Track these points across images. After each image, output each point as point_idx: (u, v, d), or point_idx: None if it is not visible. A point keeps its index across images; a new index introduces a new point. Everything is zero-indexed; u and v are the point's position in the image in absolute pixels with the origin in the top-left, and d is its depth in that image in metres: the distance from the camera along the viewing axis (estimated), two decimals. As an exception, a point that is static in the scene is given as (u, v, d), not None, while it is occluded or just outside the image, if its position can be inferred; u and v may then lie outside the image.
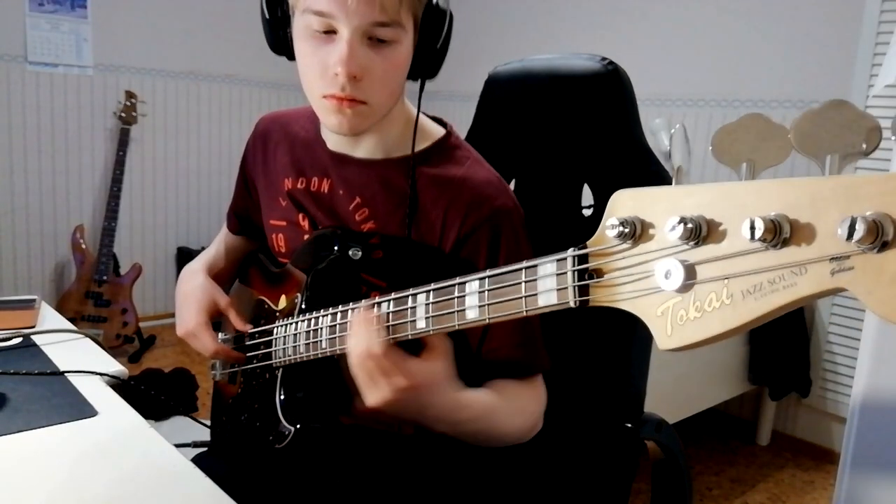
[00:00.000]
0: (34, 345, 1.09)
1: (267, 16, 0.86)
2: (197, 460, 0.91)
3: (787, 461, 2.56)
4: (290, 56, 0.87)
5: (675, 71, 2.90)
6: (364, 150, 0.92)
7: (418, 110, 0.90)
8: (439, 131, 0.94)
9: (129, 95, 3.35)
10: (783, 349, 2.49)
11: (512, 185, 1.10)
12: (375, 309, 0.72)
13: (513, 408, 0.83)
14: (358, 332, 0.70)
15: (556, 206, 1.06)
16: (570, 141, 1.04)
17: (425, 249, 0.88)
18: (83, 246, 3.20)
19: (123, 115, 3.33)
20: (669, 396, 2.12)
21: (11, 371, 0.97)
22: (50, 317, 1.24)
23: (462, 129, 1.01)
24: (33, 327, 1.17)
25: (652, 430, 1.00)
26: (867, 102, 2.36)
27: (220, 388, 1.06)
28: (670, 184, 1.05)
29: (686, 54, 2.87)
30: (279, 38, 0.87)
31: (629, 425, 0.98)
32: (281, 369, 0.87)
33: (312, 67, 0.82)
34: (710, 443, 2.66)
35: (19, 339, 1.11)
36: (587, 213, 1.05)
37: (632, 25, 3.03)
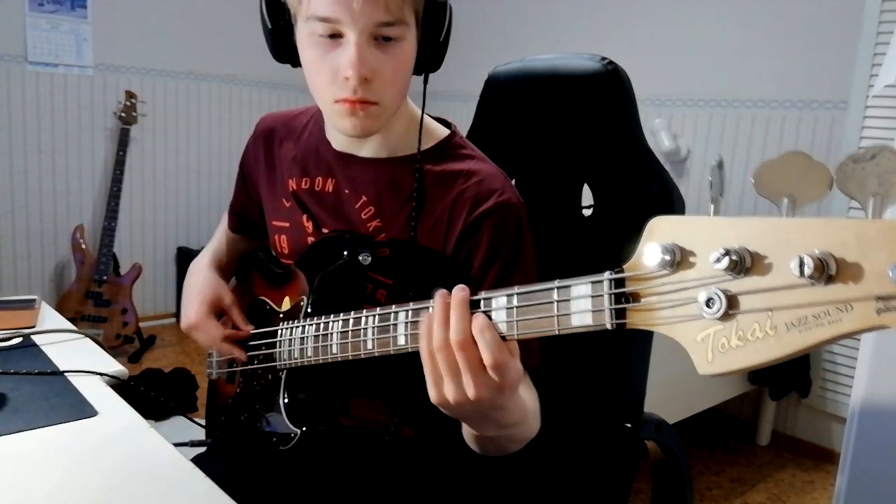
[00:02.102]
0: (34, 345, 1.09)
1: (269, 26, 0.86)
2: (197, 461, 0.91)
3: (787, 461, 2.56)
4: (295, 63, 0.87)
5: (675, 71, 2.90)
6: (369, 149, 0.92)
7: (423, 106, 0.91)
8: (444, 131, 0.94)
9: (129, 95, 3.35)
10: (783, 349, 2.49)
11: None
12: (392, 318, 0.69)
13: (536, 410, 0.80)
14: (462, 317, 0.62)
15: (556, 205, 1.06)
16: (570, 141, 1.04)
17: (430, 252, 0.88)
18: (83, 246, 3.20)
19: (123, 115, 3.33)
20: (669, 396, 2.11)
21: (11, 371, 0.97)
22: (50, 317, 1.24)
23: (462, 129, 1.01)
24: (33, 327, 1.17)
25: (652, 431, 1.00)
26: (867, 102, 2.36)
27: (216, 386, 1.06)
28: (671, 185, 1.05)
29: (686, 54, 2.87)
30: (283, 47, 0.87)
31: (629, 425, 0.98)
32: (285, 371, 0.86)
33: (321, 73, 0.82)
34: (710, 443, 2.66)
35: (19, 339, 1.11)
36: (587, 213, 1.05)
37: (632, 25, 3.03)
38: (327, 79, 0.81)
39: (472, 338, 0.62)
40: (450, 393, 0.64)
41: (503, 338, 0.62)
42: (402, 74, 0.84)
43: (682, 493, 1.03)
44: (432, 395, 0.65)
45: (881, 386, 1.32)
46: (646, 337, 1.00)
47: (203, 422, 1.10)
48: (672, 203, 0.95)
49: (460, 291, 0.64)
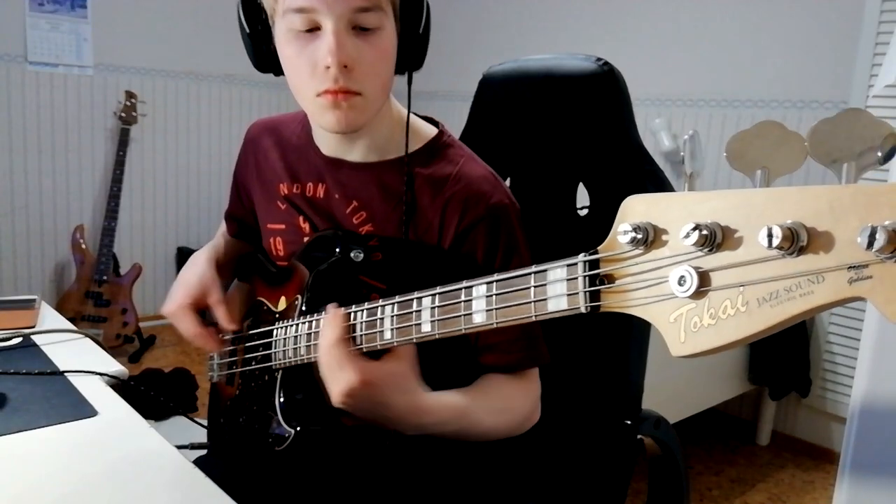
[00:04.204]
0: (34, 345, 1.09)
1: (247, 30, 0.86)
2: (197, 462, 0.91)
3: (787, 461, 2.56)
4: (277, 72, 0.87)
5: (674, 71, 2.90)
6: (358, 153, 0.91)
7: (409, 106, 0.90)
8: (431, 131, 0.94)
9: (129, 95, 3.35)
10: (783, 349, 2.49)
11: (506, 185, 1.10)
12: (379, 311, 0.72)
13: (497, 406, 0.83)
14: (323, 327, 0.74)
15: (550, 205, 1.06)
16: (565, 141, 1.04)
17: (424, 250, 0.88)
18: (83, 246, 3.20)
19: (123, 115, 3.33)
20: (669, 396, 2.12)
21: (11, 371, 0.97)
22: (50, 317, 1.24)
23: (457, 130, 1.01)
24: (33, 327, 1.17)
25: (651, 427, 1.00)
26: (867, 102, 2.36)
27: (217, 389, 1.06)
28: (666, 183, 1.05)
29: (686, 54, 2.87)
30: (263, 54, 0.87)
31: (628, 422, 0.98)
32: (280, 371, 0.86)
33: (301, 68, 0.81)
34: (710, 443, 2.66)
35: (19, 339, 1.11)
36: (582, 212, 1.05)
37: (631, 25, 3.03)
38: (307, 72, 0.80)
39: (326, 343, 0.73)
40: (331, 396, 0.73)
41: (431, 337, 0.68)
42: (384, 64, 0.83)
43: (680, 490, 1.03)
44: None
45: (881, 386, 1.32)
46: (643, 332, 1.01)
47: (204, 422, 1.10)
48: (669, 203, 0.95)
49: (331, 309, 0.75)
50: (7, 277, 3.28)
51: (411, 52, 0.85)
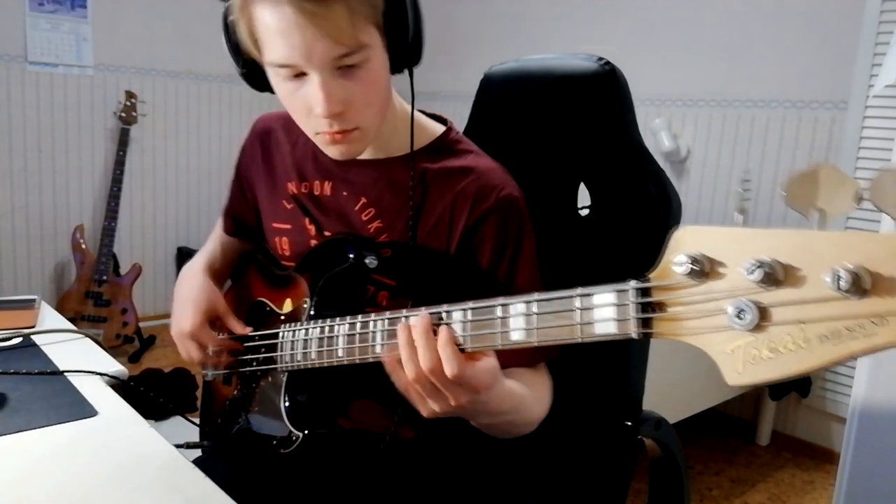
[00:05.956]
0: (34, 345, 1.09)
1: (241, 69, 0.85)
2: (197, 463, 0.91)
3: (787, 461, 2.56)
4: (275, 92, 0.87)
5: (674, 71, 2.90)
6: (366, 150, 0.92)
7: (413, 103, 0.90)
8: (439, 128, 0.94)
9: (129, 95, 3.35)
10: (783, 349, 2.48)
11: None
12: (403, 322, 0.69)
13: (535, 396, 0.83)
14: (428, 346, 0.65)
15: (552, 205, 1.06)
16: (567, 140, 1.04)
17: (433, 247, 0.88)
18: (83, 246, 3.20)
19: (123, 115, 3.33)
20: (669, 396, 2.12)
21: (11, 371, 0.97)
22: (50, 317, 1.24)
23: (458, 129, 1.01)
24: (33, 327, 1.17)
25: (651, 428, 1.00)
26: (867, 102, 2.36)
27: (212, 388, 1.05)
28: (668, 183, 1.05)
29: (686, 54, 2.87)
30: (259, 83, 0.86)
31: (629, 423, 0.98)
32: (286, 374, 0.86)
33: (297, 109, 0.82)
34: (710, 443, 2.66)
35: (19, 339, 1.11)
36: (583, 212, 1.05)
37: (631, 26, 3.03)
38: (303, 114, 0.82)
39: (440, 360, 0.65)
40: (437, 407, 0.69)
41: (462, 349, 0.65)
42: (376, 93, 0.82)
43: (680, 491, 1.03)
44: (422, 412, 0.70)
45: (881, 386, 1.32)
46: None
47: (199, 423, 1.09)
48: (669, 202, 0.96)
49: (420, 320, 0.66)
50: (7, 277, 3.28)
51: (406, 55, 0.83)
